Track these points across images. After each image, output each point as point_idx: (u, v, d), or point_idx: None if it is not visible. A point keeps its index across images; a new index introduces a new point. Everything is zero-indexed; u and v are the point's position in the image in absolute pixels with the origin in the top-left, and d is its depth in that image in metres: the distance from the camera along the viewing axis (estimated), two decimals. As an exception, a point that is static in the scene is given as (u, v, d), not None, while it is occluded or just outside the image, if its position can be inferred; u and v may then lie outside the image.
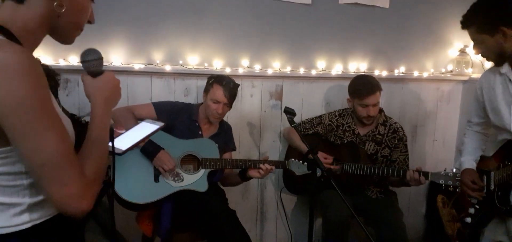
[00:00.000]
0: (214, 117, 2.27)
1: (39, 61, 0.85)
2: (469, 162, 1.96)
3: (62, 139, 0.83)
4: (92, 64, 1.02)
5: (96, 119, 0.97)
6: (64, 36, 0.97)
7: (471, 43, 1.80)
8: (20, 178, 0.87)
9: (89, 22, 1.01)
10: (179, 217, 2.13)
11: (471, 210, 1.88)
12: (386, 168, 2.39)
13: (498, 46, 1.66)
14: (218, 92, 2.21)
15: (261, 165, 2.23)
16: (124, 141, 1.12)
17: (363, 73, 2.77)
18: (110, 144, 1.08)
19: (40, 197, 0.90)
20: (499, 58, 1.72)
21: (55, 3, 0.89)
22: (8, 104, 0.77)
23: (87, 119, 1.01)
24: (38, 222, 0.91)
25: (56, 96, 1.02)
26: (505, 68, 1.73)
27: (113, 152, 1.06)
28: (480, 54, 1.78)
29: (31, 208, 0.90)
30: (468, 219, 1.89)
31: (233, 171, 2.37)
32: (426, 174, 2.24)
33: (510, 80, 1.71)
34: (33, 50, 0.93)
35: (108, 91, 1.01)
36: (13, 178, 0.87)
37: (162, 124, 1.22)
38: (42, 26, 0.91)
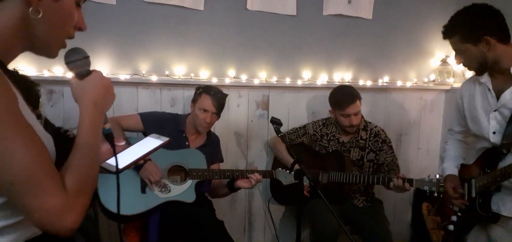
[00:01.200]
0: (202, 126, 2.27)
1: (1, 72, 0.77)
2: (451, 168, 1.99)
3: (34, 151, 0.74)
4: (78, 64, 0.93)
5: (84, 124, 0.87)
6: (44, 48, 0.86)
7: (453, 53, 1.82)
8: None
9: (80, 29, 0.91)
10: (167, 229, 2.11)
11: (453, 218, 1.91)
12: (371, 176, 2.43)
13: (481, 55, 1.67)
14: (207, 102, 2.22)
15: (250, 175, 2.23)
16: (123, 157, 1.03)
17: (343, 84, 2.81)
18: (108, 161, 0.99)
19: (13, 220, 0.82)
20: (481, 67, 1.73)
21: (30, 9, 0.78)
22: None
23: (75, 132, 0.95)
24: None
25: (35, 107, 0.94)
26: (484, 78, 1.76)
27: (115, 160, 0.97)
28: (461, 64, 1.79)
29: (2, 231, 0.81)
30: (451, 227, 1.92)
31: (221, 182, 2.36)
32: (410, 181, 2.28)
33: (489, 89, 1.75)
34: (7, 61, 0.83)
35: (97, 92, 0.91)
36: None
37: (167, 139, 1.13)
38: (17, 36, 0.80)
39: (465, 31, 1.68)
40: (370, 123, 2.65)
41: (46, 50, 0.87)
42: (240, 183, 2.24)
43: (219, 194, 2.43)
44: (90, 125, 0.88)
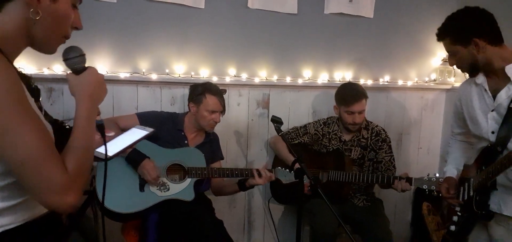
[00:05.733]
0: (212, 126, 2.28)
1: (12, 65, 0.88)
2: (451, 171, 2.01)
3: (41, 135, 0.83)
4: (75, 61, 1.03)
5: (81, 114, 0.97)
6: (44, 45, 0.96)
7: None
8: None
9: (76, 28, 1.01)
10: (165, 228, 2.10)
11: (454, 218, 1.91)
12: (372, 175, 2.42)
13: (471, 57, 1.72)
14: (214, 102, 2.22)
15: (261, 171, 2.21)
16: (111, 146, 1.12)
17: (349, 81, 2.81)
18: (98, 149, 1.08)
19: (12, 202, 0.89)
20: (471, 68, 1.78)
21: (30, 10, 0.88)
22: None
23: (71, 124, 1.02)
24: (9, 227, 0.89)
25: (37, 100, 1.01)
26: (480, 79, 1.79)
27: (105, 155, 1.06)
28: (454, 65, 1.85)
29: (1, 213, 0.88)
30: (453, 227, 1.91)
31: (231, 180, 2.35)
32: (409, 180, 2.28)
33: (485, 90, 1.77)
34: (13, 58, 0.92)
35: (92, 86, 1.01)
36: None
37: (152, 130, 1.23)
38: (20, 35, 0.90)
39: (455, 33, 1.75)
40: (371, 122, 2.65)
41: (45, 47, 0.97)
42: (252, 180, 2.22)
43: (227, 192, 2.44)
44: (86, 115, 0.97)
